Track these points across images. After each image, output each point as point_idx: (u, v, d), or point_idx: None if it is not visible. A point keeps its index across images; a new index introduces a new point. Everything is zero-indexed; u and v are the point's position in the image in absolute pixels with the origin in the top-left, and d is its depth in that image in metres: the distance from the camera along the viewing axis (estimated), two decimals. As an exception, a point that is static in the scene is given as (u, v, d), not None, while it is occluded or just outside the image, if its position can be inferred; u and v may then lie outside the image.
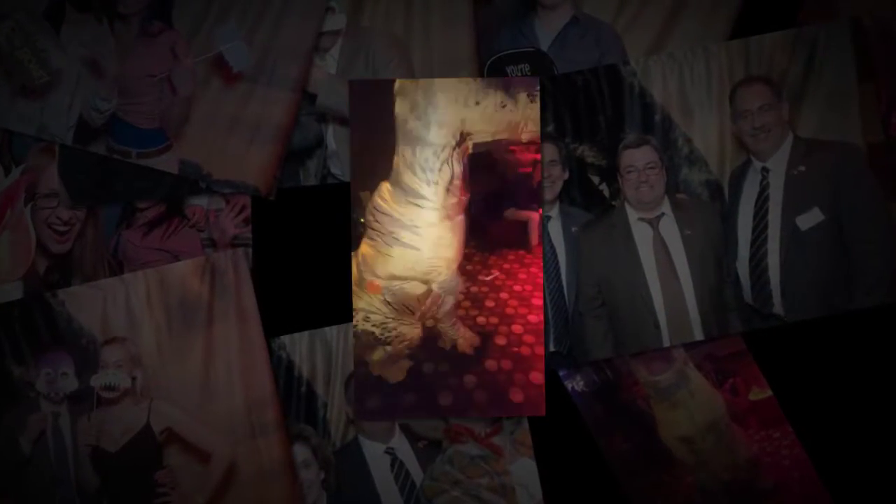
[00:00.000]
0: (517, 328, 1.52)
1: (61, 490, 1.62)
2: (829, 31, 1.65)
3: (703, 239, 1.66)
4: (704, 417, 1.67)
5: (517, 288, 1.47)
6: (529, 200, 1.44)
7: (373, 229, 1.17)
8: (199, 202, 1.70)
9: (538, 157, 1.35)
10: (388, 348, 1.16)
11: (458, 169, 1.14)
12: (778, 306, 1.64)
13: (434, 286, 1.18)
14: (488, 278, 1.31)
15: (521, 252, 1.44)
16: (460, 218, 1.24)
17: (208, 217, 1.69)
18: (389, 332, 1.20)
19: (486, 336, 1.59)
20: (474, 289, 1.39)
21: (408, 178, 1.18)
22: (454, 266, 1.25)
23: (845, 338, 1.67)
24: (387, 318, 1.26)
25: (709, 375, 1.67)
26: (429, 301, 1.12)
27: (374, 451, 1.67)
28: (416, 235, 1.25)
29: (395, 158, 1.19)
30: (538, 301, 1.48)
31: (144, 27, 1.67)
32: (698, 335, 1.66)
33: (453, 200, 1.18)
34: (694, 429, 1.67)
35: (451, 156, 1.12)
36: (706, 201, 1.67)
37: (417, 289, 1.20)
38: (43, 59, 1.65)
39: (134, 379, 1.63)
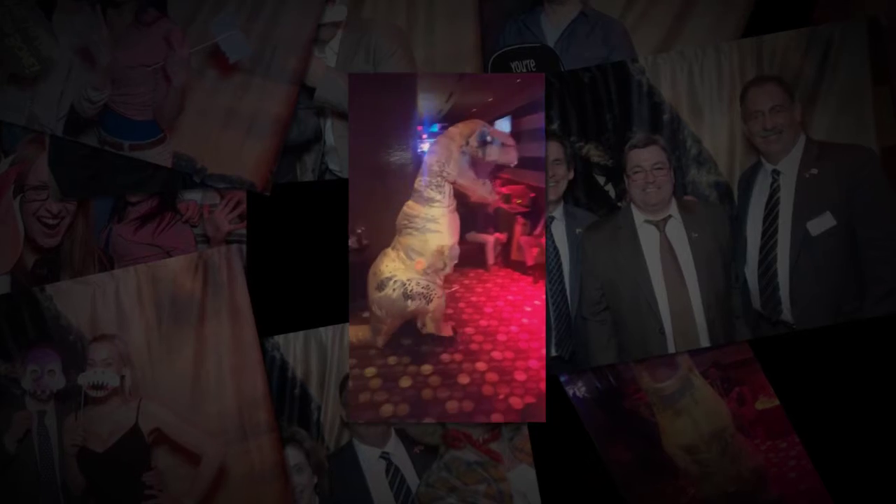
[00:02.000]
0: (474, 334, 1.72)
1: (46, 491, 1.60)
2: (844, 32, 1.62)
3: (711, 243, 1.64)
4: (709, 426, 1.65)
5: (474, 299, 1.81)
6: (486, 224, 1.75)
7: (410, 228, 1.68)
8: (193, 197, 1.68)
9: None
10: (431, 304, 1.65)
11: (449, 187, 1.66)
12: (787, 313, 1.62)
13: (445, 256, 1.66)
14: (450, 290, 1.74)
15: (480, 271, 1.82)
16: (455, 213, 1.69)
17: (202, 212, 1.67)
18: (432, 291, 1.65)
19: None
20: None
21: (426, 192, 1.67)
22: (456, 239, 1.69)
23: (856, 346, 1.64)
24: (428, 284, 1.65)
25: (714, 383, 1.65)
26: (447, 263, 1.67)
27: (368, 456, 1.65)
28: (439, 223, 1.67)
29: (416, 182, 1.68)
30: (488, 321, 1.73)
31: (138, 15, 1.64)
32: (704, 342, 1.63)
33: (450, 202, 1.68)
34: (698, 438, 1.65)
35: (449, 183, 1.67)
36: (715, 204, 1.65)
37: (439, 261, 1.66)
38: (34, 48, 1.62)
39: (122, 377, 1.60)
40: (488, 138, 1.64)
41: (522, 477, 1.64)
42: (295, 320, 1.66)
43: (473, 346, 1.67)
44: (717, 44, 1.64)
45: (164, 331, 1.61)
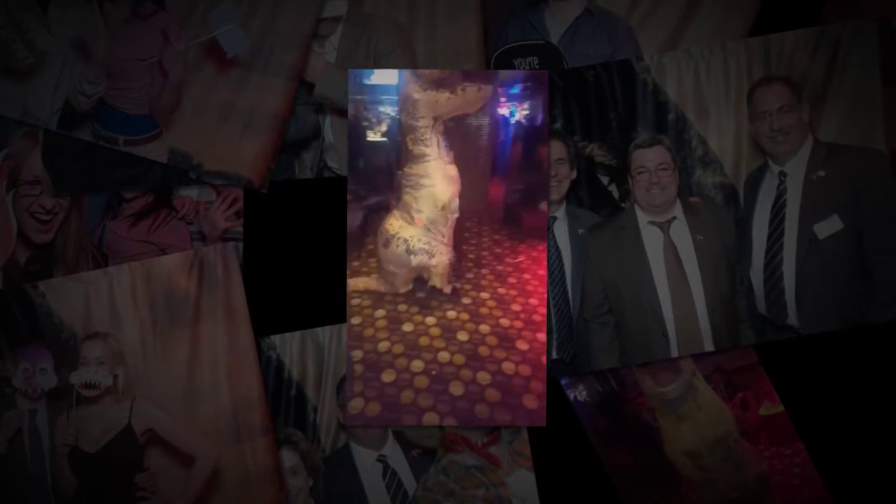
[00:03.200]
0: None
1: (37, 491, 1.58)
2: (855, 31, 1.60)
3: (716, 245, 1.62)
4: (712, 432, 1.63)
5: (541, 272, 1.69)
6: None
7: (407, 187, 1.65)
8: (189, 193, 1.66)
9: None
10: (434, 259, 1.67)
11: (439, 137, 1.64)
12: (792, 317, 1.60)
13: (448, 210, 1.66)
14: (516, 260, 1.68)
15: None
16: (452, 164, 1.65)
17: (198, 209, 1.65)
18: (433, 247, 1.66)
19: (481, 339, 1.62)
20: (500, 267, 1.70)
21: (416, 150, 1.64)
22: (457, 191, 1.66)
23: (862, 352, 1.62)
24: (430, 241, 1.66)
25: (718, 388, 1.63)
26: (451, 222, 1.67)
27: (365, 459, 1.63)
28: (432, 178, 1.65)
29: (405, 144, 1.65)
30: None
31: (135, 8, 1.61)
32: (708, 346, 1.61)
33: (441, 153, 1.64)
34: (701, 444, 1.63)
35: (433, 130, 1.64)
36: (720, 206, 1.63)
37: (440, 216, 1.66)
38: (29, 40, 1.60)
39: (116, 377, 1.59)
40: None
41: (521, 481, 1.62)
42: (291, 320, 1.64)
43: (536, 318, 1.62)
44: (723, 43, 1.62)
45: (158, 329, 1.60)
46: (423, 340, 1.61)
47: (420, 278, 1.68)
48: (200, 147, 1.62)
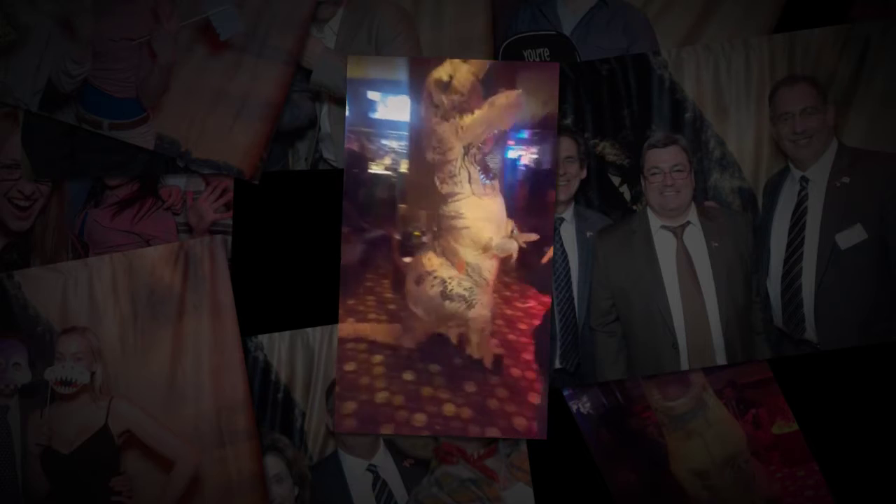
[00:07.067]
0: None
1: (6, 493, 1.55)
2: (885, 30, 1.56)
3: (732, 253, 1.58)
4: (722, 450, 1.59)
5: None
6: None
7: (440, 229, 1.57)
8: (177, 182, 1.63)
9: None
10: (472, 311, 1.57)
11: (472, 168, 1.56)
12: (811, 332, 1.56)
13: (492, 250, 1.56)
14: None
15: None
16: (491, 198, 1.57)
17: (185, 199, 1.63)
18: (473, 295, 1.57)
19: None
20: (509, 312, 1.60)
21: (443, 189, 1.57)
22: (501, 230, 1.57)
23: (883, 371, 1.59)
24: (472, 287, 1.57)
25: (729, 404, 1.61)
26: (494, 266, 1.56)
27: (354, 468, 1.60)
28: (466, 218, 1.57)
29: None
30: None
31: (125, -16, 1.59)
32: (721, 359, 1.58)
33: (478, 188, 1.56)
34: (709, 462, 1.59)
35: (465, 160, 1.56)
36: (737, 211, 1.59)
37: (484, 261, 1.57)
38: (11, 15, 1.57)
39: (93, 374, 1.56)
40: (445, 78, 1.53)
41: (519, 497, 1.59)
42: (281, 319, 1.61)
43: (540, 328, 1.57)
44: (746, 39, 1.58)
45: (139, 325, 1.57)
46: (426, 391, 1.55)
47: (441, 338, 1.56)
48: (189, 134, 1.59)
